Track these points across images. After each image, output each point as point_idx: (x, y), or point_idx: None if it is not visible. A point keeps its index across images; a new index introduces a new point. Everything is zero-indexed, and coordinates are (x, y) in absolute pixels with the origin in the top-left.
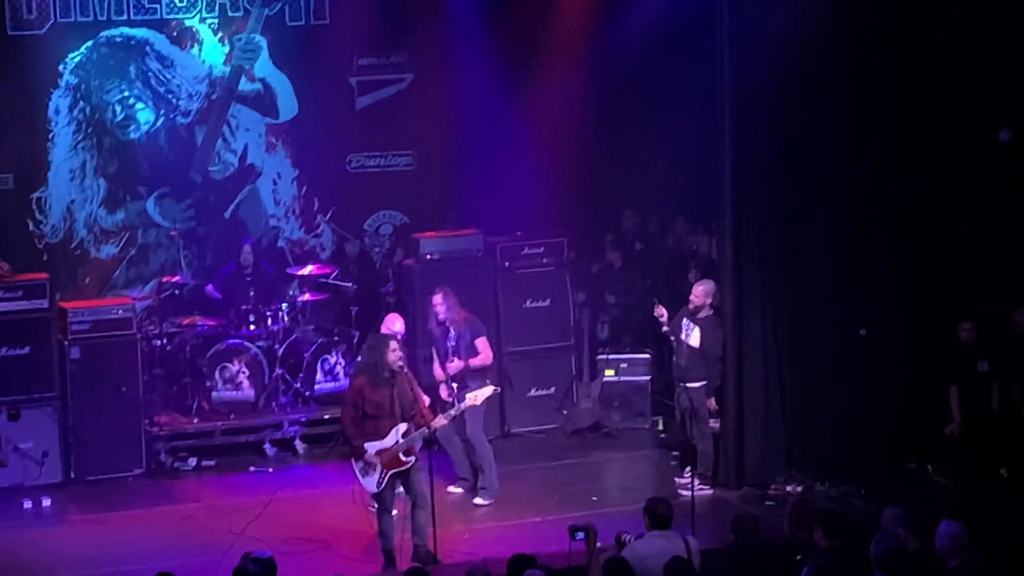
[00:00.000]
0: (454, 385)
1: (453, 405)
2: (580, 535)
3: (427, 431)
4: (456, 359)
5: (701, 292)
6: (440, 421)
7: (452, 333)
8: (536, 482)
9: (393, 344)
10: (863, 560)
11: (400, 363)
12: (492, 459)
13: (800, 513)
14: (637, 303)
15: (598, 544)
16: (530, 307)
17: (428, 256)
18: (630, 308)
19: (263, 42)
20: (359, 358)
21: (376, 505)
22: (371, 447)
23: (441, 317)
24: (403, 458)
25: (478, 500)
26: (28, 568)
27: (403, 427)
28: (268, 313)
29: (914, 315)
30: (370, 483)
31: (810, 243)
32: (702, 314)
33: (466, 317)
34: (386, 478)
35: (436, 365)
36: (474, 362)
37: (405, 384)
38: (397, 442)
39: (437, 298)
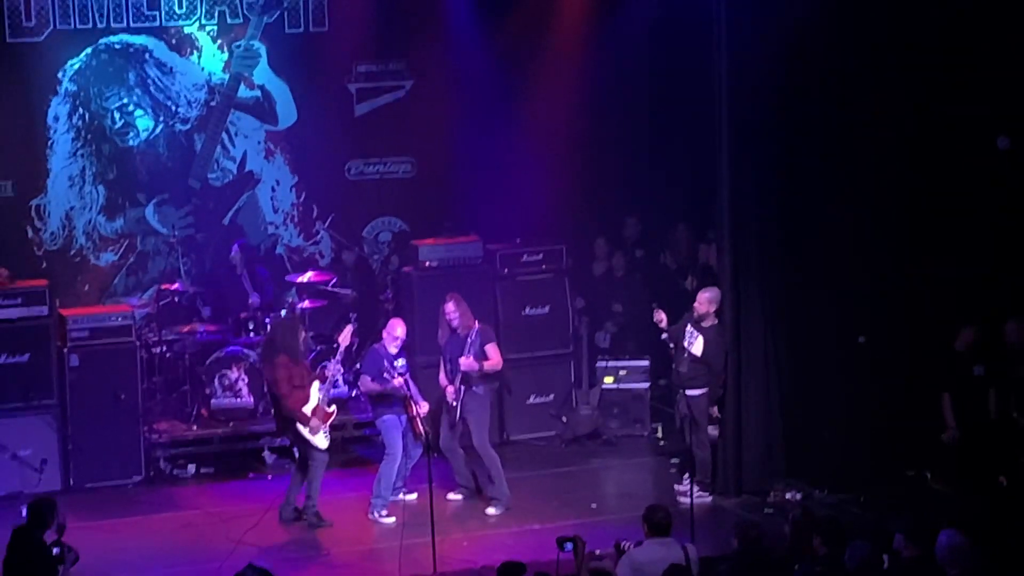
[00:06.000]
0: (462, 387)
1: (457, 408)
2: (568, 546)
3: (327, 377)
4: (471, 357)
5: (706, 299)
6: (333, 367)
7: (469, 338)
8: (535, 489)
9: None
10: None
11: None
12: (500, 468)
13: (803, 525)
14: (640, 311)
15: (597, 551)
16: (529, 314)
17: (427, 263)
18: (635, 316)
19: (262, 49)
20: (265, 340)
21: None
22: (308, 410)
23: (455, 324)
24: (328, 409)
25: (490, 510)
26: None
27: (317, 384)
28: (267, 320)
29: (913, 322)
30: (322, 442)
31: (809, 251)
32: (707, 323)
33: (479, 323)
34: (328, 432)
35: (442, 373)
36: (487, 365)
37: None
38: (320, 398)
39: (450, 306)
